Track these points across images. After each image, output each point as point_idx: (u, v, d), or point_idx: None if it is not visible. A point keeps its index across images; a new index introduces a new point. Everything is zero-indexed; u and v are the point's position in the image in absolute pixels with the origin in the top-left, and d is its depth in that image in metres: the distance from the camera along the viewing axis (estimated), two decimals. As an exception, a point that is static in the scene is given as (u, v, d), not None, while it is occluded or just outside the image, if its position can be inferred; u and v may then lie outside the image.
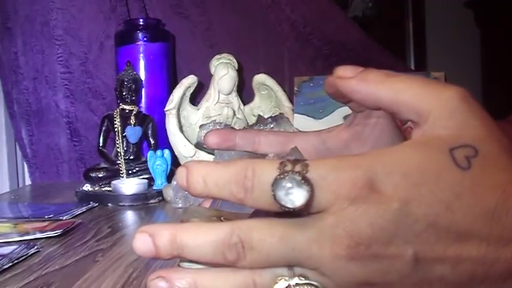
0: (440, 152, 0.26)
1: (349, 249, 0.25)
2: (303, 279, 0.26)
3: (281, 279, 0.26)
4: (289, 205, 0.25)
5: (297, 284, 0.26)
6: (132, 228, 0.62)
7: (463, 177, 0.26)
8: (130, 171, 0.81)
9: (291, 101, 0.92)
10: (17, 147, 1.04)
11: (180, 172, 0.28)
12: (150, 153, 0.79)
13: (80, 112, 0.99)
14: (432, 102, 0.28)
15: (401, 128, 0.39)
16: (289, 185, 0.25)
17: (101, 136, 0.84)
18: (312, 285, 0.26)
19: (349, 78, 0.30)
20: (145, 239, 0.27)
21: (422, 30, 2.32)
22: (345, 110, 0.85)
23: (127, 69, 0.87)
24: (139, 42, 0.93)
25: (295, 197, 0.25)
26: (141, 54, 0.92)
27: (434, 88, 0.28)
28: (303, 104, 0.89)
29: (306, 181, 0.25)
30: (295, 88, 0.91)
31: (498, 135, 0.27)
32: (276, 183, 0.25)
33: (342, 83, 0.31)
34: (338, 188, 0.25)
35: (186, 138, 0.87)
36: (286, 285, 0.26)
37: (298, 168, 0.26)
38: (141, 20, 0.96)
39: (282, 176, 0.25)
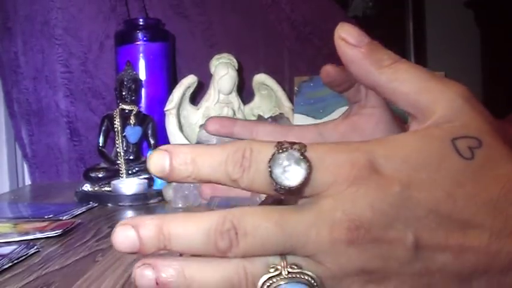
0: (441, 141, 0.26)
1: (349, 233, 0.24)
2: (295, 267, 0.25)
3: (273, 267, 0.25)
4: (286, 183, 0.24)
5: (289, 273, 0.24)
6: (132, 228, 0.62)
7: (466, 167, 0.25)
8: (130, 171, 0.81)
9: (291, 101, 0.92)
10: (17, 147, 1.04)
11: (158, 156, 0.26)
12: (150, 153, 0.79)
13: (80, 112, 0.99)
14: (436, 102, 0.27)
15: (397, 118, 0.39)
16: (286, 162, 0.24)
17: (101, 136, 0.84)
18: (305, 274, 0.24)
19: (353, 46, 0.28)
20: (127, 232, 0.25)
21: (423, 30, 2.32)
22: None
23: (127, 69, 0.87)
24: (139, 42, 0.93)
25: (292, 175, 0.24)
26: (141, 54, 0.92)
27: (438, 85, 0.27)
28: (303, 104, 0.89)
29: (304, 157, 0.24)
30: (295, 88, 0.91)
31: (499, 130, 0.27)
32: (273, 159, 0.24)
33: (343, 48, 0.29)
34: (336, 168, 0.25)
35: (186, 138, 0.87)
36: (278, 273, 0.24)
37: (296, 146, 0.25)
38: (141, 20, 0.96)
39: (280, 151, 0.24)
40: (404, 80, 0.28)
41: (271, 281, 0.24)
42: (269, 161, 0.24)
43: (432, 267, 0.25)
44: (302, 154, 0.24)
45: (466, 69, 2.04)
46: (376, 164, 0.25)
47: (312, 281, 0.24)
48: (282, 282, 0.24)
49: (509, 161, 0.26)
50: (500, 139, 0.26)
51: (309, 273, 0.25)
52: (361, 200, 0.24)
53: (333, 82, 0.37)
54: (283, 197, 0.27)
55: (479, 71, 2.27)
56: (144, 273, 0.25)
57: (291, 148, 0.24)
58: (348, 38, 0.28)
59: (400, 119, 0.40)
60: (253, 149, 0.25)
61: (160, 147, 0.26)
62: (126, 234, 0.25)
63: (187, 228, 0.25)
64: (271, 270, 0.25)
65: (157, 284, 0.25)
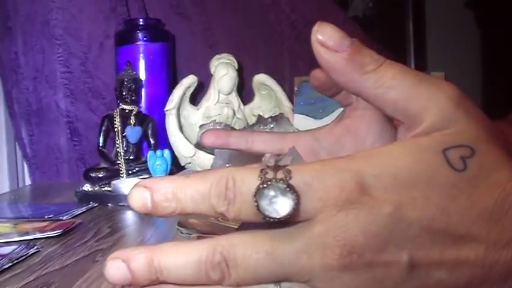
0: (432, 153, 0.25)
1: (342, 259, 0.23)
2: None
3: None
4: (274, 215, 0.24)
5: None
6: (132, 229, 0.62)
7: (459, 180, 0.24)
8: (130, 171, 0.81)
9: (291, 101, 0.92)
10: (17, 147, 1.04)
11: (138, 193, 0.25)
12: (150, 153, 0.79)
13: (80, 112, 0.99)
14: (426, 109, 0.26)
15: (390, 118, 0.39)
16: (272, 193, 0.24)
17: (101, 136, 0.84)
18: None
19: (333, 51, 0.26)
20: (118, 265, 0.24)
21: (423, 30, 2.32)
22: (345, 110, 0.85)
23: (127, 69, 0.87)
24: (139, 42, 0.93)
25: (280, 206, 0.24)
26: (141, 54, 0.92)
27: (427, 90, 0.26)
28: (303, 104, 0.89)
29: (290, 189, 0.24)
30: (295, 88, 0.91)
31: (494, 133, 0.26)
32: (258, 192, 0.24)
33: (322, 54, 0.27)
34: (325, 194, 0.24)
35: (186, 138, 0.87)
36: None
37: (280, 175, 0.24)
38: (141, 20, 0.96)
39: (264, 185, 0.24)
40: (391, 87, 0.26)
41: None
42: (254, 194, 0.24)
43: (428, 283, 0.25)
44: (288, 185, 0.24)
45: (466, 69, 2.04)
46: (366, 185, 0.24)
47: None
48: None
49: (504, 167, 0.25)
50: (495, 144, 0.26)
51: None
52: (352, 225, 0.24)
53: (322, 86, 0.36)
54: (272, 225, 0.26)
55: (479, 71, 2.27)
56: None
57: (276, 180, 0.24)
58: (327, 42, 0.26)
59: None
60: (236, 178, 0.24)
61: (140, 183, 0.26)
62: (117, 267, 0.25)
63: (177, 260, 0.24)
64: None
65: None
